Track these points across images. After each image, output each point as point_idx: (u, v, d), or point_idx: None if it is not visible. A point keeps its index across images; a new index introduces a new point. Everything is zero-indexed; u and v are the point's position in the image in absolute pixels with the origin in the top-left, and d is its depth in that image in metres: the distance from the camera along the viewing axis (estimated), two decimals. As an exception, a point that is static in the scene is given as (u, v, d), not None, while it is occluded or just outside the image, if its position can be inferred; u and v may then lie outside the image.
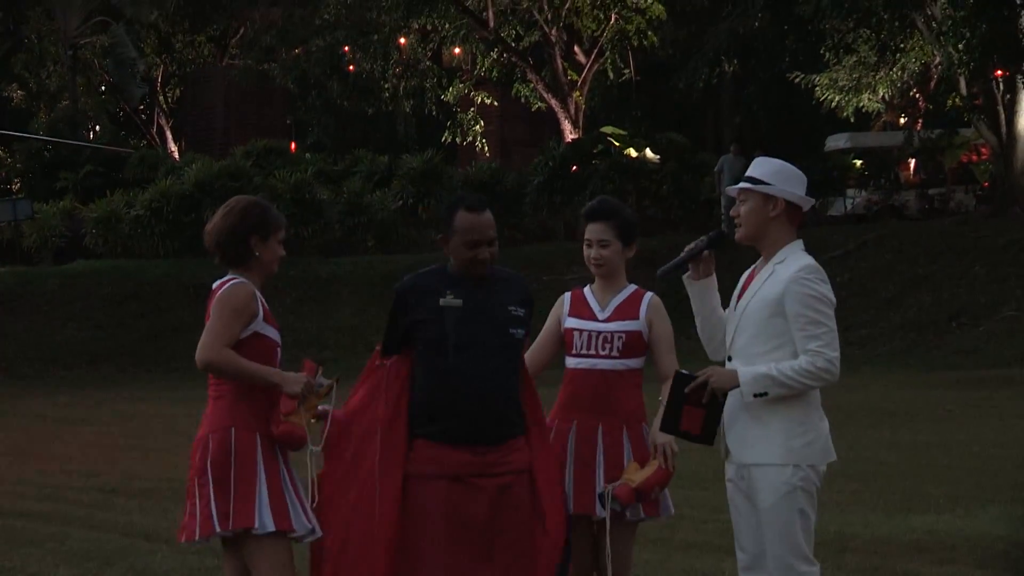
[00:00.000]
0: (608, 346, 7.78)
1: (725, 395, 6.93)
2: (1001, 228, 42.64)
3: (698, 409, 6.91)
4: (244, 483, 7.16)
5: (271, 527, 7.13)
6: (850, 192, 50.63)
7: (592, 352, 7.78)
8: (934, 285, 39.52)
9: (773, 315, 6.99)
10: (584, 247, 7.94)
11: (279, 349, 7.39)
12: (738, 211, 7.15)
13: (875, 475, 15.43)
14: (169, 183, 46.80)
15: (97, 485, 17.63)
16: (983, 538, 12.11)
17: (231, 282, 7.36)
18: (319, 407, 7.37)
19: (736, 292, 7.22)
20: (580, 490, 7.71)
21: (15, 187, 57.68)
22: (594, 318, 7.85)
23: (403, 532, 7.18)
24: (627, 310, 7.86)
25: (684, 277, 7.21)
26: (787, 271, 7.05)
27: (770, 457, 6.96)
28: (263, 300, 7.40)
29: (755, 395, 6.89)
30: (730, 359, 7.08)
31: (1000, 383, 28.09)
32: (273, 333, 7.36)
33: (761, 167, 7.18)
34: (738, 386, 6.92)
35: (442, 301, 7.24)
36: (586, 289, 7.97)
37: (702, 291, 7.19)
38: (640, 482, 7.52)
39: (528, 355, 7.80)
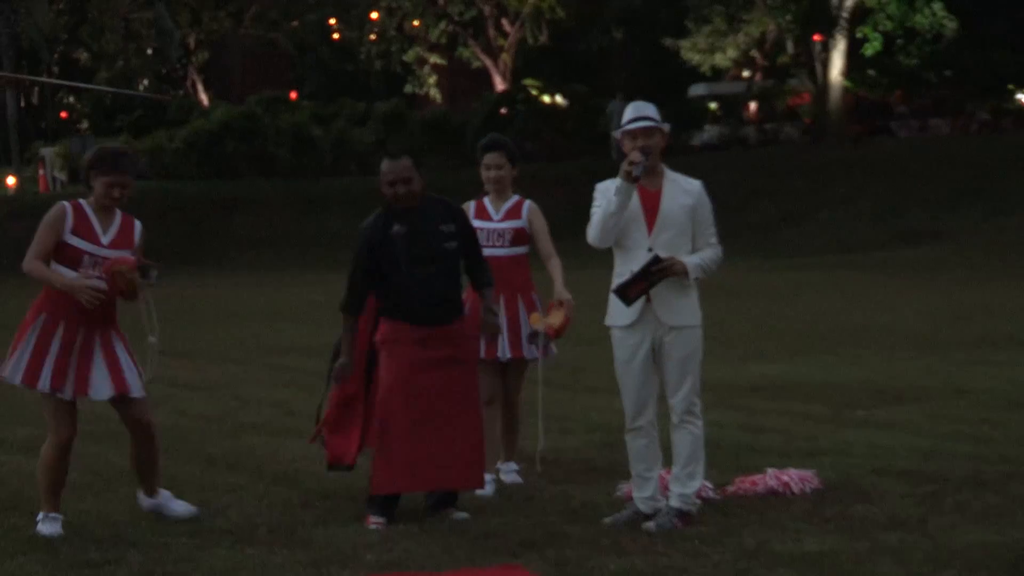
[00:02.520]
0: (501, 239, 8.17)
1: (665, 277, 6.89)
2: (818, 152, 42.87)
3: (645, 283, 6.88)
4: (20, 343, 7.21)
5: (16, 380, 7.19)
6: (707, 128, 50.70)
7: (490, 244, 8.10)
8: (769, 196, 39.68)
9: (688, 219, 7.01)
10: (483, 170, 8.33)
11: (87, 256, 7.21)
12: (648, 145, 6.94)
13: (722, 335, 15.48)
14: (200, 123, 46.59)
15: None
16: (804, 380, 12.22)
17: (56, 203, 7.35)
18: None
19: (634, 201, 6.92)
20: (492, 341, 8.00)
21: (83, 127, 57.31)
22: (491, 219, 8.23)
23: (386, 385, 7.20)
24: (513, 213, 8.25)
25: (624, 181, 6.86)
26: (690, 186, 7.08)
27: (692, 319, 7.02)
28: (90, 218, 7.28)
29: (695, 279, 6.97)
30: (650, 250, 6.93)
31: (817, 267, 28.31)
32: (82, 243, 7.22)
33: (648, 109, 7.09)
34: (687, 273, 6.92)
35: (391, 231, 7.29)
36: (485, 199, 8.34)
37: (632, 192, 6.94)
38: (558, 325, 7.87)
39: None
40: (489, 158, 8.26)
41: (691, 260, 6.95)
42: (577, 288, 8.22)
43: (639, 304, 6.94)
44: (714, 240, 7.07)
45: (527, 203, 8.31)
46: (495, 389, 8.09)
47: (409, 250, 7.21)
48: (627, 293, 6.92)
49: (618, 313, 7.03)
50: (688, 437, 7.00)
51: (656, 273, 6.87)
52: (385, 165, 7.33)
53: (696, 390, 7.03)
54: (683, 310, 7.00)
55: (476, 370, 7.52)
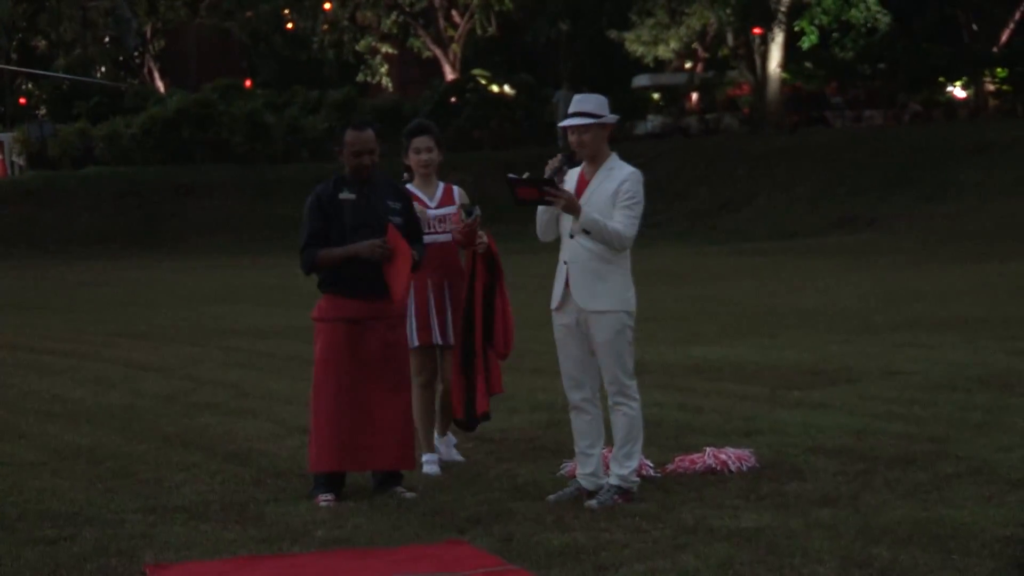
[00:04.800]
0: (443, 224, 7.88)
1: (553, 202, 6.80)
2: (756, 142, 43.05)
3: (535, 191, 6.79)
4: None
5: None
6: (650, 117, 50.89)
7: (432, 230, 7.83)
8: (709, 183, 39.84)
9: (609, 204, 6.89)
10: (412, 155, 7.98)
11: None
12: (581, 140, 6.87)
13: (666, 318, 15.54)
14: (156, 110, 46.28)
15: (104, 330, 17.43)
16: (742, 362, 12.25)
17: None
18: None
19: (570, 187, 6.96)
20: (440, 324, 7.86)
21: (42, 113, 56.87)
22: (428, 206, 7.91)
23: (320, 363, 7.20)
24: (447, 199, 7.99)
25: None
26: (621, 173, 6.96)
27: (610, 305, 6.92)
28: None
29: (583, 229, 6.83)
30: (572, 236, 6.91)
31: (755, 252, 28.45)
32: None
33: (589, 103, 6.97)
34: (578, 215, 6.81)
35: (340, 196, 7.24)
36: (409, 187, 7.95)
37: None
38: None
39: None
40: (419, 142, 7.94)
41: (591, 214, 6.84)
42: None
43: (561, 287, 6.97)
44: (624, 217, 6.88)
45: (456, 188, 8.09)
46: (432, 372, 7.95)
47: (355, 217, 7.17)
48: (516, 192, 6.85)
49: (553, 296, 7.07)
50: (623, 419, 6.99)
51: (547, 190, 6.77)
52: (350, 135, 7.24)
53: (627, 372, 6.99)
54: (601, 295, 6.94)
55: (407, 354, 7.45)
